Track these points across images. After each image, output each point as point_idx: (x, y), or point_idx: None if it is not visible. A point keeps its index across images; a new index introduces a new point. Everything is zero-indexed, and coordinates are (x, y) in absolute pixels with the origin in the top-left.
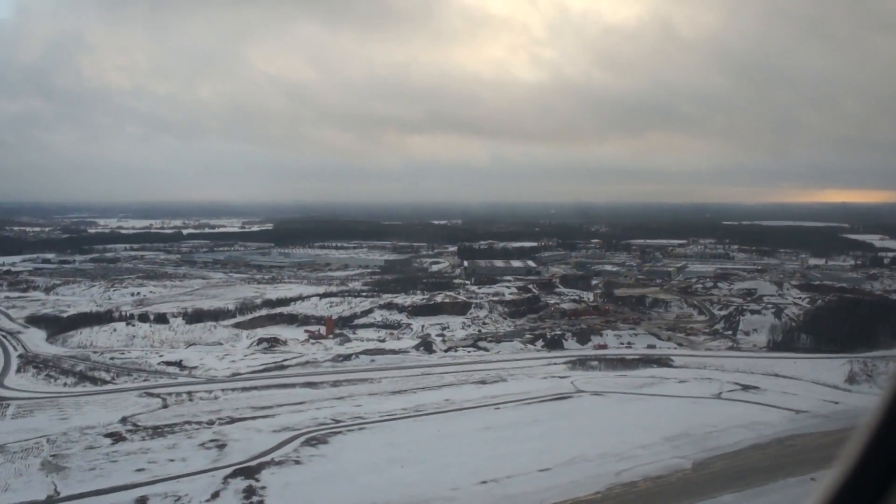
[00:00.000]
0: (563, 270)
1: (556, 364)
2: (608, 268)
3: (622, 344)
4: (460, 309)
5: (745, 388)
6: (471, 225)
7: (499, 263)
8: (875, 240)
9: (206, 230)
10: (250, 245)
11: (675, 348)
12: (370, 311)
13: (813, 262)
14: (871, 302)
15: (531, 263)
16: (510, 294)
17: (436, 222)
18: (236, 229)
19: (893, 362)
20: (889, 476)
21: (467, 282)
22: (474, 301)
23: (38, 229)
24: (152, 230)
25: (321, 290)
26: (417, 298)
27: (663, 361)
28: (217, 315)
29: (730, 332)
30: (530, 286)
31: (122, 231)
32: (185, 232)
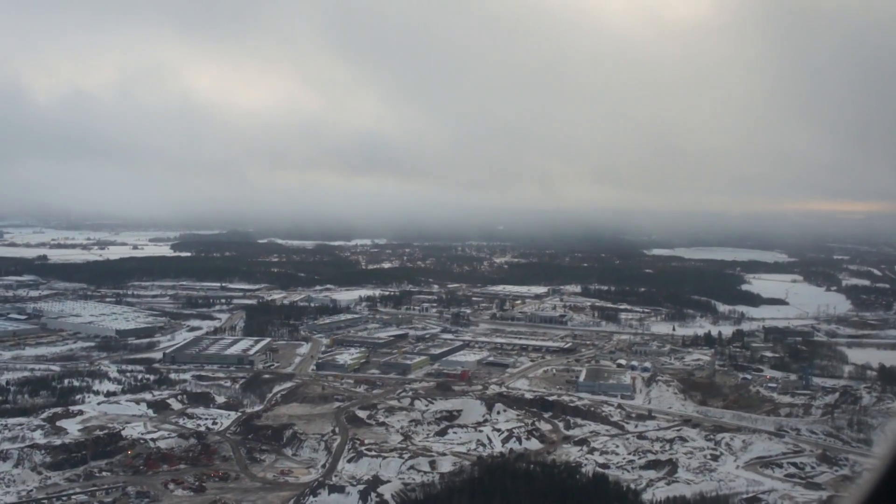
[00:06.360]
0: (309, 353)
1: None
2: (343, 357)
3: None
4: None
5: None
6: (380, 248)
7: (213, 348)
8: (785, 283)
9: (95, 250)
10: (60, 287)
11: None
12: None
13: (658, 329)
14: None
15: (251, 351)
16: (124, 419)
17: (357, 242)
18: (124, 252)
19: None
20: None
21: (106, 385)
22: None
23: None
24: (10, 255)
25: None
26: None
27: None
28: None
29: None
30: (173, 399)
31: None
32: (50, 257)
